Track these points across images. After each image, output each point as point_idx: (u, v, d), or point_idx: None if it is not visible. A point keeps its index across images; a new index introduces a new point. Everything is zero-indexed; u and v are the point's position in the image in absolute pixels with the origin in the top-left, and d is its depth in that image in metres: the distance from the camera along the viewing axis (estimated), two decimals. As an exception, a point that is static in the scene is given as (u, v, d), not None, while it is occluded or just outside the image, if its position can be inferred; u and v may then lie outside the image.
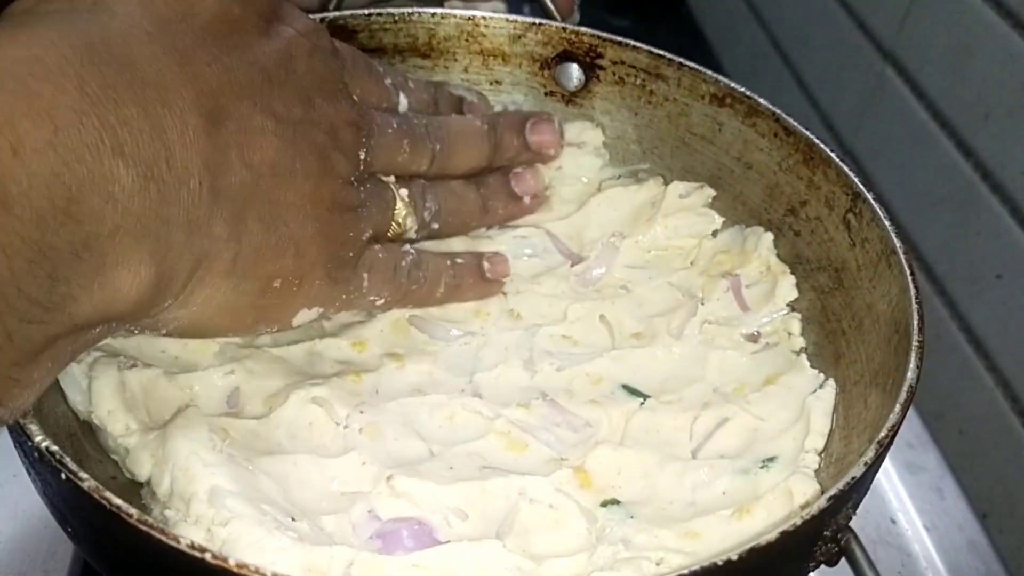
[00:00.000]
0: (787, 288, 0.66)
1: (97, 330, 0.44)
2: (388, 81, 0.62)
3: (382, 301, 0.60)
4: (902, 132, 1.06)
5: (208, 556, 0.37)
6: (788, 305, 0.65)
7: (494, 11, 0.75)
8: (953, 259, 0.98)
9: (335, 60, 0.57)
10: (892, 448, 0.48)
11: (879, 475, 0.52)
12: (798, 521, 0.42)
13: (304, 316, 0.55)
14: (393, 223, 0.60)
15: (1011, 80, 0.89)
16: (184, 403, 0.56)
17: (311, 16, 0.58)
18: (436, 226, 0.64)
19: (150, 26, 0.45)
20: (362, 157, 0.57)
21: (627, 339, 0.66)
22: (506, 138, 0.67)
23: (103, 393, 0.54)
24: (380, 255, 0.59)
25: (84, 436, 0.54)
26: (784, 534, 0.41)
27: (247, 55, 0.50)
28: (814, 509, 0.42)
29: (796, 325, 0.64)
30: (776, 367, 0.63)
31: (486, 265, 0.65)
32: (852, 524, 0.49)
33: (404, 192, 0.60)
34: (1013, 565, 0.76)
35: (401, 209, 0.60)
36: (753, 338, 0.64)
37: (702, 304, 0.66)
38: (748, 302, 0.66)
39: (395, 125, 0.61)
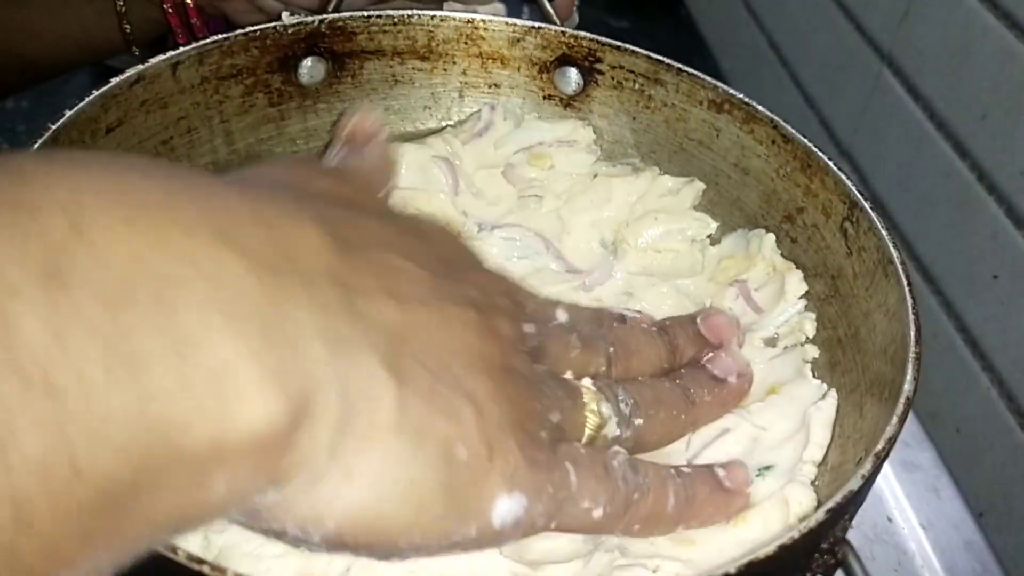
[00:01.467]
0: (796, 283, 0.66)
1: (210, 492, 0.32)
2: (542, 297, 0.53)
3: (600, 512, 0.45)
4: (899, 133, 1.06)
5: (206, 568, 0.37)
6: (800, 299, 0.65)
7: (494, 14, 0.75)
8: (950, 260, 0.99)
9: (472, 251, 0.51)
10: (889, 447, 0.49)
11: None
12: (796, 535, 0.42)
13: (505, 507, 0.40)
14: (589, 414, 0.48)
15: (1008, 81, 0.90)
16: None
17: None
18: (639, 422, 0.51)
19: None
20: (525, 330, 0.47)
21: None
22: (679, 334, 0.58)
23: None
24: (583, 450, 0.46)
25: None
26: (782, 548, 0.41)
27: (375, 215, 0.44)
28: (812, 523, 0.43)
29: (810, 326, 0.64)
30: (783, 376, 0.63)
31: (720, 473, 0.52)
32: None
33: (588, 381, 0.49)
34: (1010, 564, 0.76)
35: (591, 399, 0.49)
36: (772, 342, 0.64)
37: None
38: (760, 304, 0.66)
39: (560, 324, 0.52)
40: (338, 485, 0.35)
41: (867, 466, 0.45)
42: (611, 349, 0.52)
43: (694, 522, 0.51)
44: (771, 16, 1.34)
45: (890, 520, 0.75)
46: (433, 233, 0.48)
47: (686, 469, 0.52)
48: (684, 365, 0.57)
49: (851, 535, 0.73)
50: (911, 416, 0.83)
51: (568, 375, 0.49)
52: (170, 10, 0.77)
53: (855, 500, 0.45)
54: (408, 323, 0.39)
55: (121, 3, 0.76)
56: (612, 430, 0.49)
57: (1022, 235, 0.88)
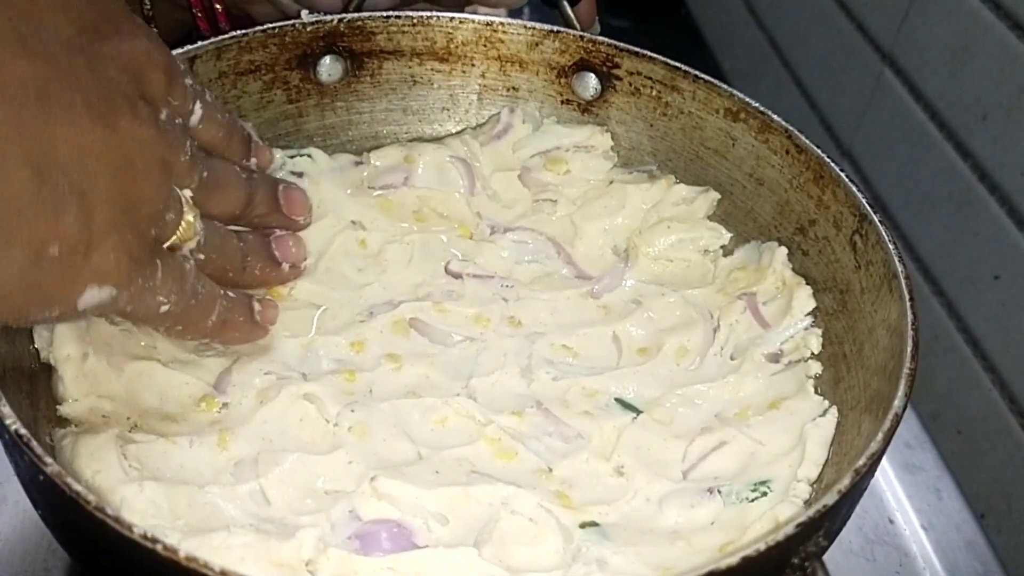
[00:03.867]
0: (804, 299, 0.65)
1: None
2: (188, 81, 0.54)
3: (167, 307, 0.50)
4: (900, 133, 1.05)
5: (159, 548, 0.37)
6: (807, 315, 0.64)
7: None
8: (951, 260, 0.97)
9: (124, 14, 0.49)
10: (890, 448, 0.47)
11: (877, 474, 0.51)
12: (761, 547, 0.41)
13: (92, 296, 0.44)
14: (184, 223, 0.51)
15: (1009, 81, 0.88)
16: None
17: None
18: (201, 256, 0.54)
19: None
20: (162, 118, 0.49)
21: (633, 355, 0.65)
22: (261, 189, 0.61)
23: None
24: (169, 254, 0.50)
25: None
26: (746, 559, 0.40)
27: None
28: (780, 535, 0.41)
29: (815, 342, 0.63)
30: (784, 391, 0.62)
31: (256, 307, 0.59)
32: (849, 524, 0.49)
33: (188, 193, 0.52)
34: (1011, 565, 0.75)
35: (190, 211, 0.51)
36: (775, 358, 0.63)
37: (717, 325, 0.65)
38: (767, 319, 0.65)
39: (181, 126, 0.53)
40: None
41: (845, 481, 0.44)
42: (204, 174, 0.54)
43: (221, 339, 0.57)
44: (772, 16, 1.33)
45: (891, 521, 0.73)
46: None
47: (232, 294, 0.56)
48: (254, 225, 0.60)
49: (851, 535, 0.73)
50: (913, 417, 0.82)
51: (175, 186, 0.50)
52: (199, 13, 0.79)
53: (829, 516, 0.43)
54: (13, 122, 0.39)
55: (148, 6, 0.77)
56: (191, 245, 0.52)
57: (1023, 235, 0.86)
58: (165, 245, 0.50)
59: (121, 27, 0.47)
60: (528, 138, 0.75)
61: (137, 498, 0.48)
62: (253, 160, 0.61)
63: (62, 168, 0.41)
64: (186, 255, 0.52)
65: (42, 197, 0.40)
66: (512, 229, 0.72)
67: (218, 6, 0.80)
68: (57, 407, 0.54)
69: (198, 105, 0.55)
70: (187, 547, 0.39)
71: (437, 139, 0.75)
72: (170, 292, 0.49)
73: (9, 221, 0.39)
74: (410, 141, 0.75)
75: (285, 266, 0.62)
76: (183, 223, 0.50)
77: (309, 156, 0.69)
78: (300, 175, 0.68)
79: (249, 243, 0.60)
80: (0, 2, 0.42)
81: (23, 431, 0.42)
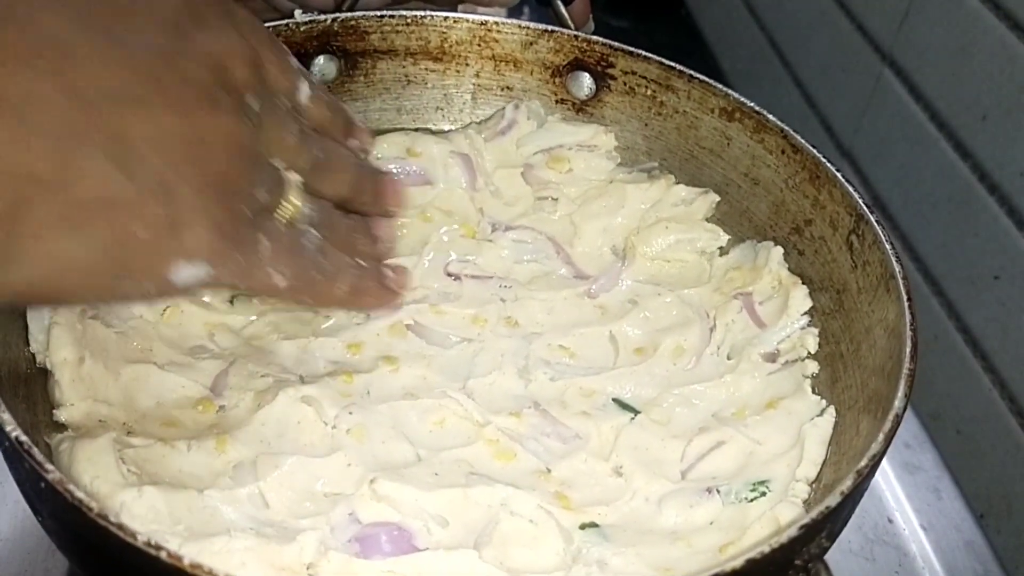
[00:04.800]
0: (800, 299, 0.65)
1: None
2: (294, 63, 0.56)
3: (284, 282, 0.51)
4: (900, 133, 1.05)
5: (163, 555, 0.37)
6: (804, 315, 0.64)
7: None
8: (951, 260, 0.98)
9: (213, 9, 0.51)
10: (890, 448, 0.48)
11: (876, 475, 0.51)
12: (765, 549, 0.41)
13: (186, 273, 0.46)
14: (286, 203, 0.52)
15: (1009, 82, 0.88)
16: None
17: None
18: (314, 234, 0.56)
19: None
20: (248, 102, 0.50)
21: (630, 355, 0.65)
22: (370, 179, 0.61)
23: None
24: (281, 227, 0.52)
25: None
26: (750, 562, 0.40)
27: None
28: (783, 538, 0.41)
29: (812, 341, 0.63)
30: (781, 390, 0.62)
31: (388, 273, 0.59)
32: (848, 524, 0.49)
33: (296, 176, 0.53)
34: (1010, 565, 0.75)
35: (294, 193, 0.53)
36: (771, 357, 0.63)
37: (714, 325, 0.66)
38: (763, 318, 0.65)
39: (289, 105, 0.55)
40: (9, 267, 0.42)
41: (847, 483, 0.44)
42: (320, 155, 0.55)
43: (354, 306, 0.59)
44: (771, 16, 1.34)
45: (891, 521, 0.74)
46: None
47: (363, 263, 0.57)
48: (357, 210, 0.60)
49: (850, 535, 0.73)
50: (913, 418, 0.83)
51: (277, 162, 0.52)
52: None
53: (832, 517, 0.43)
54: (89, 121, 0.42)
55: None
56: (301, 224, 0.53)
57: (1023, 235, 0.87)
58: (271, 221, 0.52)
59: (206, 23, 0.49)
60: (532, 135, 0.75)
61: (137, 503, 0.48)
62: (354, 142, 0.61)
63: (140, 159, 0.43)
64: (305, 230, 0.53)
65: (124, 186, 0.43)
66: (513, 228, 0.71)
67: None
68: (54, 411, 0.54)
69: (304, 85, 0.56)
70: (188, 552, 0.39)
71: (440, 133, 0.75)
72: (284, 266, 0.51)
73: (96, 210, 0.42)
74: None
75: (381, 245, 0.62)
76: (284, 203, 0.52)
77: None
78: None
79: (355, 226, 0.60)
80: (100, 4, 0.45)
81: (23, 438, 0.41)
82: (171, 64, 0.45)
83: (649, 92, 0.72)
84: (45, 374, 0.54)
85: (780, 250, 0.67)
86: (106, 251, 0.43)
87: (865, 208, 0.60)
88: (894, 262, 0.57)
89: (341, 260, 0.56)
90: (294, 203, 0.52)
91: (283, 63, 0.54)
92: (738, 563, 0.40)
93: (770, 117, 0.67)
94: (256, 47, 0.51)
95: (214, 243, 0.46)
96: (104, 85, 0.43)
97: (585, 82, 0.74)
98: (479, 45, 0.74)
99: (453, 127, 0.77)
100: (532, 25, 0.73)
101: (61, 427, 0.53)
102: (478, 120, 0.77)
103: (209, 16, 0.49)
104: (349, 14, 0.71)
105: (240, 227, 0.48)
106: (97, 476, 0.49)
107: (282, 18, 0.70)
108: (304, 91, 0.56)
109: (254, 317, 0.63)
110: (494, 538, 0.52)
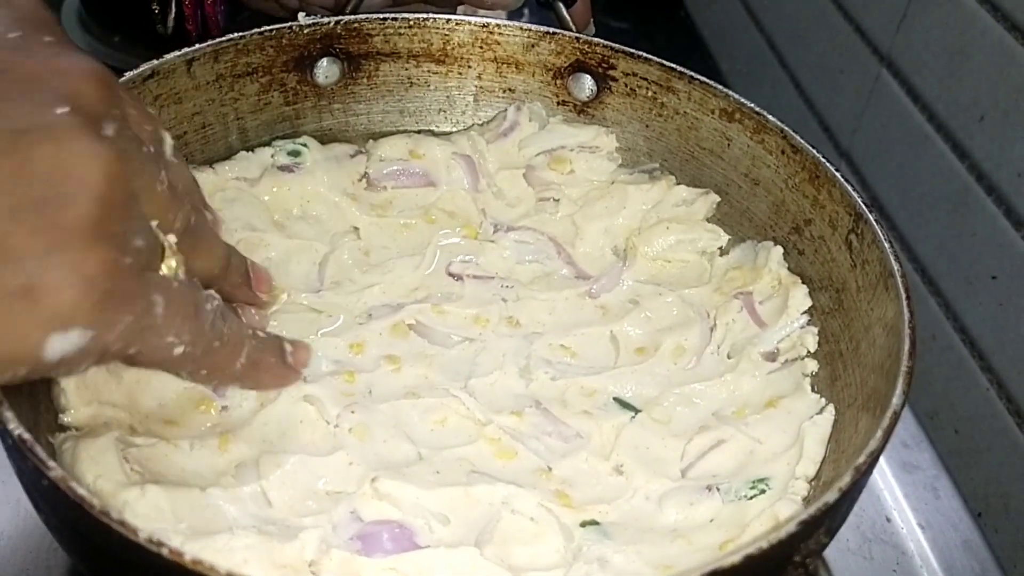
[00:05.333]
0: (800, 298, 0.65)
1: None
2: (155, 114, 0.50)
3: (181, 348, 0.45)
4: (898, 134, 1.05)
5: (165, 551, 0.38)
6: (803, 314, 0.65)
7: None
8: (948, 260, 0.98)
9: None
10: (888, 447, 0.48)
11: (875, 473, 0.51)
12: (764, 544, 0.41)
13: (61, 343, 0.39)
14: (164, 265, 0.45)
15: (1006, 83, 0.88)
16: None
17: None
18: None
19: None
20: (109, 133, 0.41)
21: (630, 354, 0.65)
22: (236, 258, 0.55)
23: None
24: (175, 284, 0.45)
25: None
26: (748, 558, 0.40)
27: None
28: (782, 534, 0.42)
29: (812, 340, 0.63)
30: (781, 389, 0.62)
31: (288, 348, 0.54)
32: (846, 522, 0.49)
33: (172, 238, 0.46)
34: (1008, 564, 0.75)
35: (171, 253, 0.46)
36: (771, 356, 0.64)
37: (714, 324, 0.66)
38: (763, 318, 0.66)
39: (155, 152, 0.46)
40: None
41: (846, 479, 0.44)
42: (192, 220, 0.48)
43: (251, 383, 0.53)
44: (770, 17, 1.34)
45: (888, 520, 0.74)
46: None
47: (261, 334, 0.52)
48: (223, 295, 0.52)
49: (848, 533, 0.73)
50: (910, 417, 0.83)
51: (154, 223, 0.44)
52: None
53: (830, 513, 0.44)
54: None
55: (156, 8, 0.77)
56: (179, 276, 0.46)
57: (1020, 236, 0.87)
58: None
59: (46, 46, 0.43)
60: (534, 136, 0.75)
61: (139, 502, 0.48)
62: (210, 215, 0.53)
63: None
64: (211, 294, 0.48)
65: None
66: (515, 228, 0.72)
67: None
68: (60, 415, 0.54)
69: (168, 137, 0.48)
70: (191, 550, 0.39)
71: (443, 135, 0.76)
72: (181, 331, 0.44)
73: None
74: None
75: (261, 295, 0.58)
76: (164, 266, 0.45)
77: (304, 145, 0.70)
78: (297, 154, 0.69)
79: (225, 312, 0.52)
80: None
81: (26, 435, 0.42)
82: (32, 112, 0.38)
83: (650, 93, 0.72)
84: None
85: (780, 250, 0.67)
86: None
87: (864, 208, 0.60)
88: (893, 261, 0.57)
89: (242, 328, 0.50)
90: (170, 266, 0.45)
91: (144, 110, 0.47)
92: (736, 559, 0.40)
93: (770, 118, 0.67)
94: (112, 81, 0.43)
95: (88, 302, 0.39)
96: None
97: (586, 84, 0.75)
98: (481, 47, 0.75)
99: (455, 129, 0.78)
100: (533, 27, 0.74)
101: (64, 426, 0.54)
102: (480, 122, 0.78)
103: (48, 38, 0.42)
104: (352, 17, 0.71)
105: (120, 280, 0.40)
106: (100, 475, 0.49)
107: (281, 8, 0.70)
108: (168, 144, 0.48)
109: None
110: (495, 536, 0.52)
